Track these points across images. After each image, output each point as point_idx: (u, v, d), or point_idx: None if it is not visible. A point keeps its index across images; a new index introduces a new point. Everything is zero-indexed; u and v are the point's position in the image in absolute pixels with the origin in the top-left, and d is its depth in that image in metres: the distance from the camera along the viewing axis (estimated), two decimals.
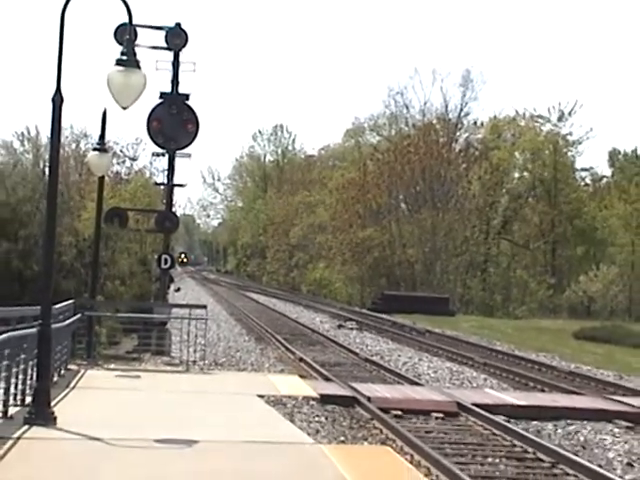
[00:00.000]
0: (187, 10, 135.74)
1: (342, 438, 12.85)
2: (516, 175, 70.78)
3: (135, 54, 11.25)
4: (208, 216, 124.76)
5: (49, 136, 11.95)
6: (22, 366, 12.05)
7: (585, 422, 14.80)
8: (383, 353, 26.93)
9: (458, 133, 71.09)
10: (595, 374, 23.11)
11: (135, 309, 23.47)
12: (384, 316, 43.78)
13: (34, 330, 11.85)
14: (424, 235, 63.18)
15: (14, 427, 10.59)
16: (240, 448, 10.48)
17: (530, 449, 12.22)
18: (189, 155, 25.85)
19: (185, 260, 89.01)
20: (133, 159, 68.45)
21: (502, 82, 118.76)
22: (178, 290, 55.81)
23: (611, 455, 12.63)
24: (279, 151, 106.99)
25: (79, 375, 16.73)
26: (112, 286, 28.43)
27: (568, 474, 11.01)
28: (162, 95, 25.08)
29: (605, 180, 73.75)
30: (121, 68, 11.10)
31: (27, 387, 12.34)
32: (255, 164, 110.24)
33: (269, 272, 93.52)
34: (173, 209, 27.07)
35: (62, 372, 16.32)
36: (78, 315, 19.18)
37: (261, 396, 14.96)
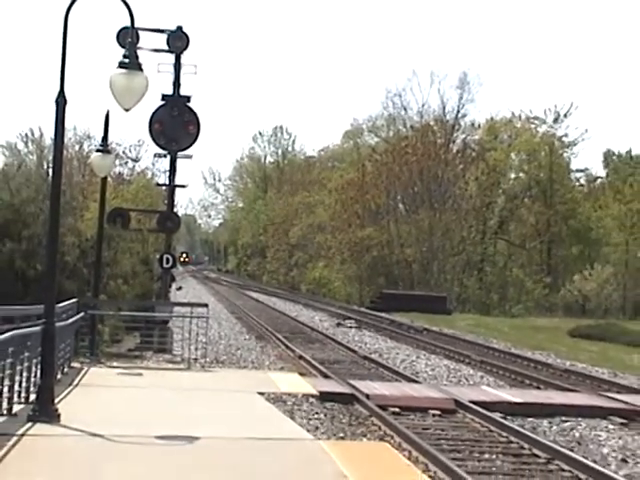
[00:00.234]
0: (188, 13, 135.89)
1: (341, 434, 12.85)
2: (512, 176, 70.80)
3: (137, 57, 11.25)
4: (209, 216, 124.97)
5: (53, 137, 11.96)
6: (26, 364, 12.04)
7: (580, 419, 14.81)
8: (381, 351, 26.93)
9: (455, 134, 71.09)
10: (590, 371, 23.12)
11: (137, 308, 23.47)
12: (382, 314, 43.79)
13: (38, 328, 11.85)
14: (422, 235, 63.19)
15: (18, 424, 10.59)
16: (241, 444, 10.48)
17: (526, 445, 12.22)
18: (190, 156, 25.85)
19: (186, 260, 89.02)
20: (135, 160, 68.51)
21: (499, 84, 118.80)
22: (180, 289, 55.80)
23: (606, 451, 12.63)
24: (279, 152, 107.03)
25: (82, 373, 16.73)
26: (115, 285, 28.42)
27: (563, 470, 11.02)
28: (164, 97, 25.08)
29: (600, 181, 73.81)
30: (123, 70, 11.10)
31: (31, 385, 12.33)
32: (255, 165, 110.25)
33: (269, 271, 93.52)
34: (175, 209, 27.09)
35: (65, 370, 16.31)
36: (81, 314, 19.19)
37: (261, 393, 14.96)
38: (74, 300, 19.71)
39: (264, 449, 10.27)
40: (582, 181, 73.64)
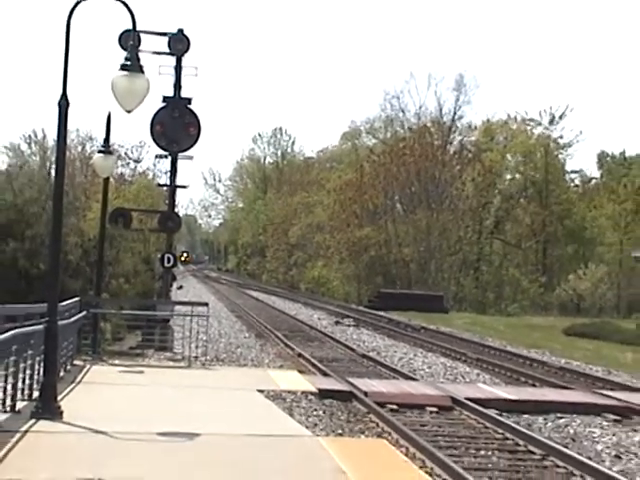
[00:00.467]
0: (189, 16, 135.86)
1: (340, 431, 12.86)
2: (508, 177, 70.83)
3: (139, 59, 11.25)
4: (209, 216, 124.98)
5: (55, 139, 11.95)
6: (29, 362, 12.05)
7: (575, 416, 14.82)
8: (379, 349, 26.92)
9: (452, 136, 71.14)
10: (584, 369, 23.11)
11: (139, 306, 23.46)
12: (380, 313, 43.77)
13: (41, 327, 11.86)
14: (419, 235, 63.19)
15: (22, 421, 10.60)
16: (241, 441, 10.49)
17: (521, 442, 12.23)
18: (191, 157, 25.83)
19: (187, 259, 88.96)
20: (137, 161, 68.49)
21: (495, 86, 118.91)
22: (180, 288, 55.77)
23: (600, 447, 12.64)
24: (279, 153, 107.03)
25: (84, 370, 16.73)
26: (117, 284, 28.44)
27: (558, 466, 11.03)
28: (165, 99, 25.06)
29: (594, 181, 73.88)
30: (125, 73, 11.10)
31: (34, 382, 12.34)
32: (255, 166, 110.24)
33: (269, 270, 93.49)
34: (175, 209, 27.06)
35: (68, 367, 16.32)
36: (83, 312, 19.18)
37: (261, 391, 14.96)
38: (77, 299, 19.71)
39: (264, 446, 10.28)
40: (577, 182, 73.75)
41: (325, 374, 18.77)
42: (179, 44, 24.88)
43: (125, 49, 11.77)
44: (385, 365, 21.61)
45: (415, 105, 74.39)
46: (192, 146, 25.18)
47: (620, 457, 12.05)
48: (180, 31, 24.90)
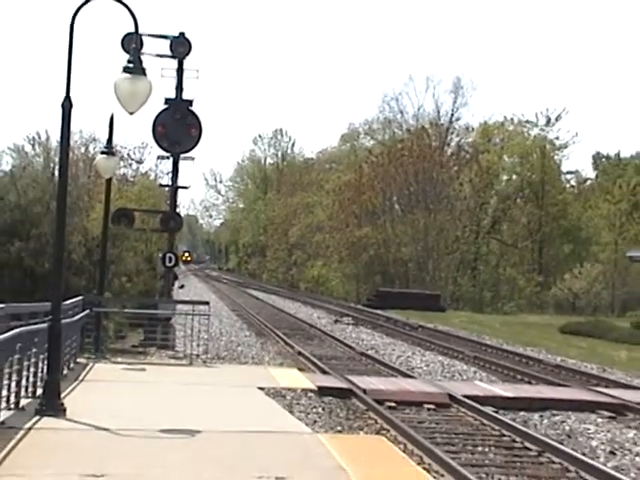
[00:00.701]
0: (191, 19, 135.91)
1: (339, 428, 12.86)
2: (505, 177, 70.81)
3: (141, 62, 11.26)
4: (210, 216, 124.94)
5: (59, 140, 11.96)
6: (33, 360, 12.05)
7: (570, 412, 14.83)
8: (378, 347, 26.92)
9: (450, 137, 71.14)
10: (579, 367, 23.12)
11: (141, 305, 23.46)
12: (379, 312, 43.75)
13: (45, 325, 11.86)
14: (417, 234, 63.17)
15: (26, 418, 10.61)
16: (241, 437, 10.49)
17: (518, 438, 12.24)
18: (192, 158, 25.86)
19: (189, 258, 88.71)
20: (139, 162, 68.44)
21: (492, 89, 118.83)
22: (182, 287, 55.75)
23: (595, 444, 12.65)
24: (279, 154, 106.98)
25: (87, 368, 16.73)
26: (119, 283, 28.42)
27: (554, 462, 11.04)
28: (167, 101, 25.08)
29: (589, 182, 73.85)
30: (128, 75, 11.11)
31: (38, 380, 12.34)
32: (256, 167, 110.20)
33: (269, 270, 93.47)
34: (177, 210, 27.08)
35: (71, 365, 16.32)
36: (87, 311, 19.17)
37: (261, 388, 14.96)
38: (80, 298, 19.71)
39: (264, 442, 10.28)
40: (572, 182, 73.74)
41: (324, 372, 18.77)
42: (181, 47, 24.90)
43: (128, 52, 11.78)
44: (383, 363, 21.61)
45: (413, 107, 74.51)
46: (193, 147, 25.20)
47: (614, 453, 12.06)
48: (182, 34, 24.93)
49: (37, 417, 10.69)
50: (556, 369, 22.45)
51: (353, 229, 66.01)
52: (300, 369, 19.10)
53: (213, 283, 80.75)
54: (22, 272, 25.90)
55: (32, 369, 12.12)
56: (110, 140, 21.39)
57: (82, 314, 18.46)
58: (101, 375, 15.93)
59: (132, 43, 11.71)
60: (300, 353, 23.28)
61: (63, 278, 11.78)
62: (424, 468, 9.90)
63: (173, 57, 25.00)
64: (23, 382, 11.54)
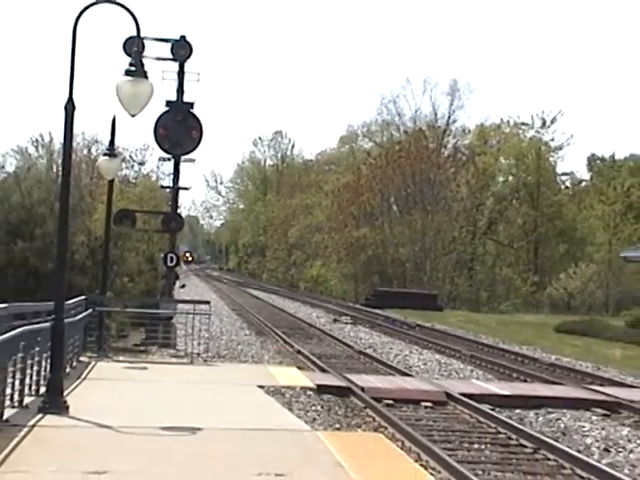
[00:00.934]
0: (191, 23, 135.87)
1: (337, 426, 12.87)
2: (501, 179, 70.80)
3: (143, 65, 11.26)
4: (211, 217, 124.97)
5: (62, 142, 11.95)
6: (37, 358, 12.05)
7: (565, 410, 14.84)
8: (376, 346, 26.93)
9: (446, 139, 71.11)
10: (574, 365, 23.13)
11: (143, 304, 23.45)
12: (377, 311, 43.76)
13: (48, 324, 11.86)
14: (415, 235, 63.18)
15: (29, 415, 10.61)
16: (241, 435, 10.49)
17: (513, 436, 12.25)
18: (193, 160, 25.84)
19: (190, 259, 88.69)
20: (141, 163, 68.27)
21: (488, 91, 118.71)
22: (183, 287, 55.70)
23: (589, 441, 12.66)
24: (278, 156, 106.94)
25: (90, 367, 16.73)
26: (121, 283, 28.42)
27: (549, 459, 11.05)
28: (168, 103, 25.06)
29: (584, 183, 73.84)
30: (130, 78, 11.11)
31: (41, 378, 12.34)
32: (256, 168, 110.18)
33: (269, 270, 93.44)
34: (178, 210, 27.05)
35: (74, 364, 16.31)
36: (89, 310, 19.18)
37: (261, 386, 14.95)
38: (82, 297, 19.71)
39: (264, 440, 10.28)
40: (567, 184, 73.71)
41: (323, 370, 18.77)
42: (182, 50, 24.88)
43: (129, 55, 11.75)
44: (382, 362, 21.61)
45: (411, 109, 74.49)
46: (194, 149, 25.18)
47: (609, 450, 12.08)
48: (183, 37, 24.91)
49: (40, 415, 10.69)
50: (551, 367, 22.47)
51: (351, 230, 66.01)
52: (299, 367, 19.10)
53: (214, 283, 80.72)
54: (26, 272, 25.91)
55: (35, 367, 12.12)
56: (112, 142, 21.39)
57: (85, 313, 18.46)
58: (103, 373, 15.93)
59: (134, 46, 11.71)
60: (299, 352, 23.28)
61: (66, 278, 11.78)
62: (421, 465, 9.91)
63: (174, 60, 24.98)
64: (27, 380, 11.53)
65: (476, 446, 11.81)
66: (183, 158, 25.45)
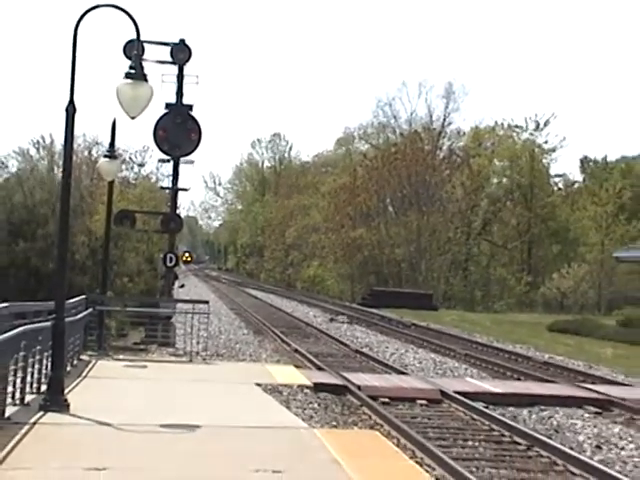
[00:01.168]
0: (190, 26, 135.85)
1: (334, 423, 12.87)
2: (495, 180, 70.82)
3: (143, 68, 11.26)
4: (210, 218, 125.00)
5: (63, 144, 11.95)
6: (38, 357, 12.04)
7: (557, 408, 14.85)
8: (372, 345, 26.92)
9: (442, 141, 71.11)
10: (567, 364, 23.14)
11: (142, 304, 23.45)
12: (373, 310, 43.75)
13: (49, 324, 11.86)
14: (410, 236, 63.19)
15: (30, 413, 10.61)
16: (239, 432, 10.50)
17: (507, 433, 12.25)
18: (192, 161, 25.81)
19: (189, 259, 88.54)
20: (140, 165, 68.15)
21: (482, 94, 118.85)
22: (182, 286, 55.62)
23: (581, 438, 12.67)
24: (276, 158, 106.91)
25: (90, 365, 16.72)
26: (121, 282, 28.42)
27: (542, 456, 11.06)
28: (167, 106, 25.04)
29: (577, 185, 73.87)
30: (130, 81, 11.11)
31: (42, 376, 12.34)
32: (254, 170, 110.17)
33: (266, 270, 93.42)
34: (177, 211, 27.02)
35: (75, 362, 16.30)
36: (90, 309, 19.17)
37: (259, 384, 14.96)
38: (83, 296, 19.70)
39: (261, 437, 10.29)
40: (561, 185, 73.71)
41: (320, 369, 18.77)
42: (181, 53, 24.86)
43: (129, 58, 11.75)
44: (378, 360, 21.61)
45: (406, 112, 74.47)
46: (193, 151, 25.15)
47: (601, 447, 12.09)
48: (182, 41, 24.88)
49: (41, 412, 10.68)
50: (544, 366, 22.47)
51: (348, 230, 66.01)
52: (296, 366, 19.09)
53: (212, 283, 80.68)
54: (27, 271, 25.90)
55: (37, 366, 12.11)
56: (112, 144, 21.39)
57: (85, 312, 18.45)
58: (104, 372, 15.92)
59: (134, 50, 11.71)
60: (296, 350, 23.27)
61: (67, 277, 11.78)
62: (416, 462, 9.92)
63: (174, 63, 24.95)
64: (28, 378, 11.53)
65: (470, 443, 11.82)
66: (182, 160, 25.42)
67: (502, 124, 70.10)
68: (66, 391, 11.44)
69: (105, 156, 20.48)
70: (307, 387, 15.39)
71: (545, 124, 67.07)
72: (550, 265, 63.67)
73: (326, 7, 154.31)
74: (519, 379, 19.35)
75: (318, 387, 15.43)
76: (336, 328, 33.34)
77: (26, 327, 11.58)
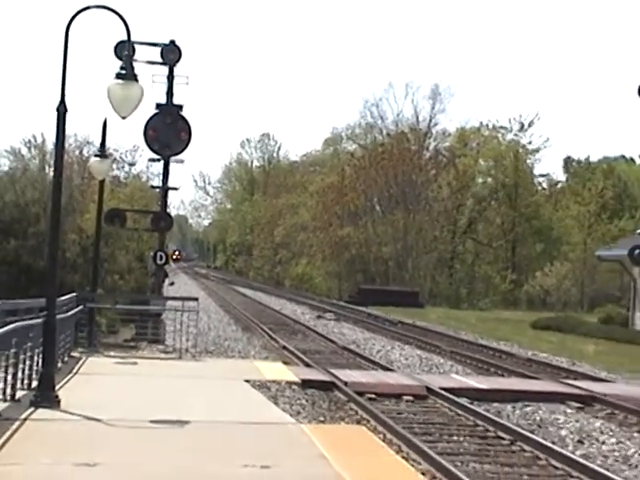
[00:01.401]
0: (180, 26, 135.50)
1: (321, 419, 12.87)
2: (480, 180, 70.95)
3: (133, 68, 11.23)
4: (199, 216, 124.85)
5: (54, 143, 11.91)
6: (29, 353, 12.00)
7: (541, 404, 14.89)
8: (359, 342, 26.94)
9: (428, 142, 71.17)
10: (550, 360, 23.21)
11: (133, 301, 23.38)
12: (360, 308, 43.81)
13: (40, 321, 11.82)
14: (397, 234, 63.27)
15: (21, 409, 10.57)
16: (228, 428, 10.49)
17: (491, 428, 12.28)
18: (182, 161, 25.78)
19: (179, 257, 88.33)
20: (131, 164, 67.98)
21: (468, 96, 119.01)
22: (172, 284, 55.47)
23: (564, 433, 12.72)
24: (265, 157, 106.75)
25: (81, 362, 16.67)
26: (112, 280, 28.33)
27: (525, 450, 11.09)
28: (158, 106, 24.98)
29: (560, 185, 74.12)
30: (121, 81, 11.09)
31: (33, 373, 12.30)
32: (243, 169, 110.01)
33: (255, 268, 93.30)
34: (167, 210, 26.98)
35: (66, 359, 16.26)
36: (80, 307, 19.11)
37: (248, 381, 14.95)
38: (74, 294, 19.64)
39: (250, 432, 10.29)
40: (544, 185, 73.90)
41: (308, 365, 18.77)
42: (171, 54, 24.80)
43: (120, 59, 11.73)
44: (364, 357, 21.63)
45: (393, 112, 74.46)
46: (183, 150, 25.11)
47: (582, 442, 12.14)
48: (172, 42, 24.83)
49: (32, 408, 10.65)
50: (528, 362, 22.54)
51: (336, 229, 66.01)
52: (285, 362, 19.09)
53: (202, 280, 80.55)
54: (18, 269, 25.78)
55: (28, 362, 12.07)
56: (103, 143, 21.33)
57: (76, 310, 18.40)
58: (94, 368, 15.87)
59: (125, 50, 11.68)
60: (285, 347, 23.27)
61: (58, 275, 11.75)
62: (402, 456, 9.93)
63: (164, 64, 24.89)
64: (19, 375, 11.49)
65: (455, 438, 11.84)
66: (172, 159, 25.37)
67: (487, 125, 70.28)
68: (57, 387, 11.40)
69: (96, 155, 20.42)
70: (295, 383, 15.39)
71: (529, 125, 67.29)
72: (534, 263, 63.84)
73: (315, 9, 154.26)
74: (503, 375, 19.40)
75: (306, 383, 15.43)
76: (324, 325, 33.35)
77: (17, 324, 11.55)
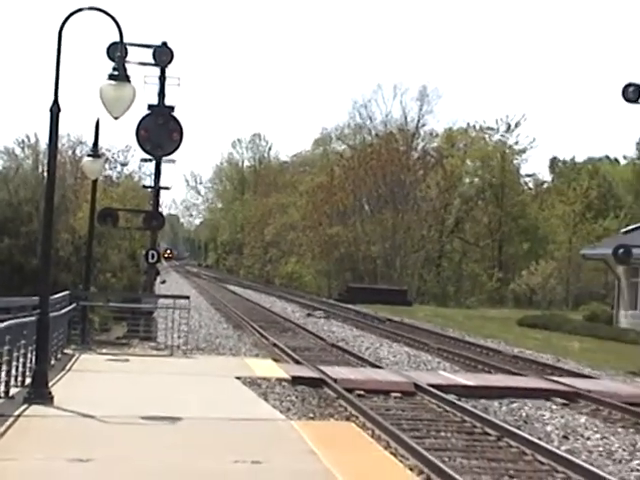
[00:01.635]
0: (172, 27, 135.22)
1: (311, 415, 12.88)
2: (467, 180, 71.10)
3: (126, 70, 11.22)
4: (191, 215, 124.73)
5: (47, 143, 11.89)
6: (22, 351, 11.98)
7: (527, 400, 14.94)
8: (348, 339, 26.96)
9: (416, 142, 71.23)
10: (536, 357, 23.29)
11: (125, 299, 23.34)
12: (349, 306, 43.82)
13: (33, 318, 11.79)
14: (385, 233, 63.33)
15: (15, 406, 10.54)
16: (219, 424, 10.49)
17: (478, 424, 12.31)
18: (174, 161, 25.73)
19: (170, 255, 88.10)
20: (123, 164, 67.77)
21: (456, 97, 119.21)
22: (164, 282, 55.36)
23: (549, 429, 12.77)
24: (256, 157, 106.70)
25: (74, 359, 16.64)
26: (104, 278, 28.27)
27: (511, 446, 11.12)
28: (150, 107, 24.92)
29: (546, 185, 74.37)
30: (113, 82, 11.07)
31: (27, 370, 12.27)
32: (234, 169, 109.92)
33: (246, 266, 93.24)
34: (159, 209, 26.92)
35: (59, 356, 16.22)
36: (73, 305, 19.06)
37: (238, 378, 14.94)
38: (67, 292, 19.59)
39: (241, 428, 10.29)
40: (530, 185, 74.14)
41: (298, 362, 18.77)
42: (163, 55, 24.74)
43: (113, 60, 11.70)
44: (353, 354, 21.64)
45: (382, 113, 74.52)
46: (175, 151, 25.06)
47: (568, 437, 12.19)
48: (164, 44, 24.77)
49: (26, 405, 10.62)
50: (514, 359, 22.60)
51: (325, 228, 66.03)
52: (275, 359, 19.09)
53: (193, 279, 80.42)
54: (11, 268, 25.69)
55: (21, 360, 12.04)
56: (96, 143, 21.28)
57: (69, 308, 18.36)
58: (87, 365, 15.85)
59: (117, 52, 11.66)
60: (275, 344, 23.26)
61: (51, 274, 11.73)
62: (391, 452, 9.95)
63: (156, 65, 24.83)
64: (13, 372, 11.46)
65: (443, 434, 11.87)
66: (164, 159, 25.32)
67: (474, 126, 70.45)
68: (50, 384, 11.38)
69: (89, 155, 20.39)
70: (285, 380, 15.39)
71: (516, 126, 67.48)
72: (520, 262, 64.03)
73: (304, 11, 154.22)
74: (490, 372, 19.44)
75: (296, 380, 15.44)
76: (313, 323, 33.35)
77: (11, 322, 11.52)
